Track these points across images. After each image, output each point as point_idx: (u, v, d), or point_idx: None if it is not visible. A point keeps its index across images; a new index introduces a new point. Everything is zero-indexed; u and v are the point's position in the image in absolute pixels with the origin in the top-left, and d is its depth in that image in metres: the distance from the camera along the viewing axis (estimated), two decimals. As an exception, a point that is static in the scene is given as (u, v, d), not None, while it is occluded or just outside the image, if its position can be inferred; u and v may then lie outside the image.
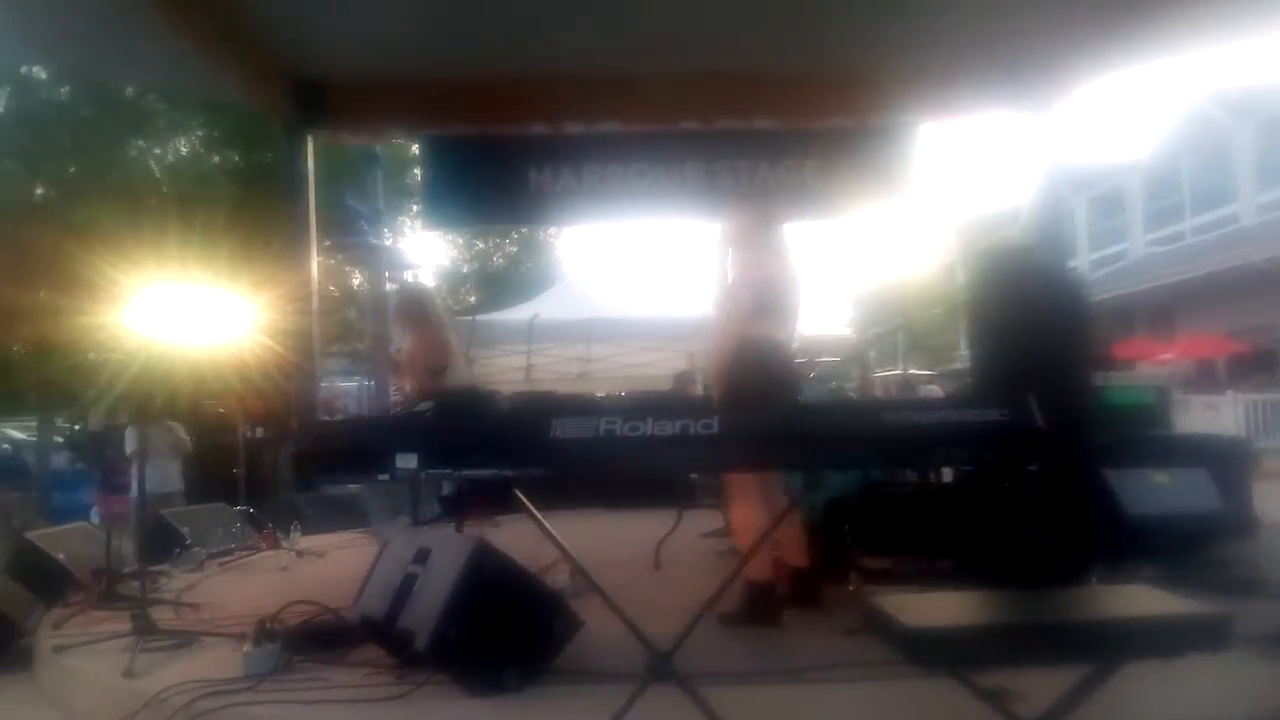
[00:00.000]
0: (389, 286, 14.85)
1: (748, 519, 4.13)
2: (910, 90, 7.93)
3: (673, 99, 8.26)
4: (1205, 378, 17.26)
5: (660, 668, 2.56)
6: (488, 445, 2.48)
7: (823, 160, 8.52)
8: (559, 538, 2.87)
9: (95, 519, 8.43)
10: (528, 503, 2.65)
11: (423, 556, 3.38)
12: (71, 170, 14.53)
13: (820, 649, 3.35)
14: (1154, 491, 4.82)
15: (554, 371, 12.22)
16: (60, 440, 15.62)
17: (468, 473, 2.56)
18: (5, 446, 20.53)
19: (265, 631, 3.54)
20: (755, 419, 2.55)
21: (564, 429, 2.43)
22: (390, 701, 3.09)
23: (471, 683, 3.11)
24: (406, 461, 2.47)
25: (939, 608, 2.37)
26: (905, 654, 2.23)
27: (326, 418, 11.45)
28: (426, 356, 5.79)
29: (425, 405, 4.23)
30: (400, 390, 6.24)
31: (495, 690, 3.10)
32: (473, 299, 26.85)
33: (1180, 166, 22.62)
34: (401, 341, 6.04)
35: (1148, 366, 14.95)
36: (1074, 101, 8.68)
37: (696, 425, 2.39)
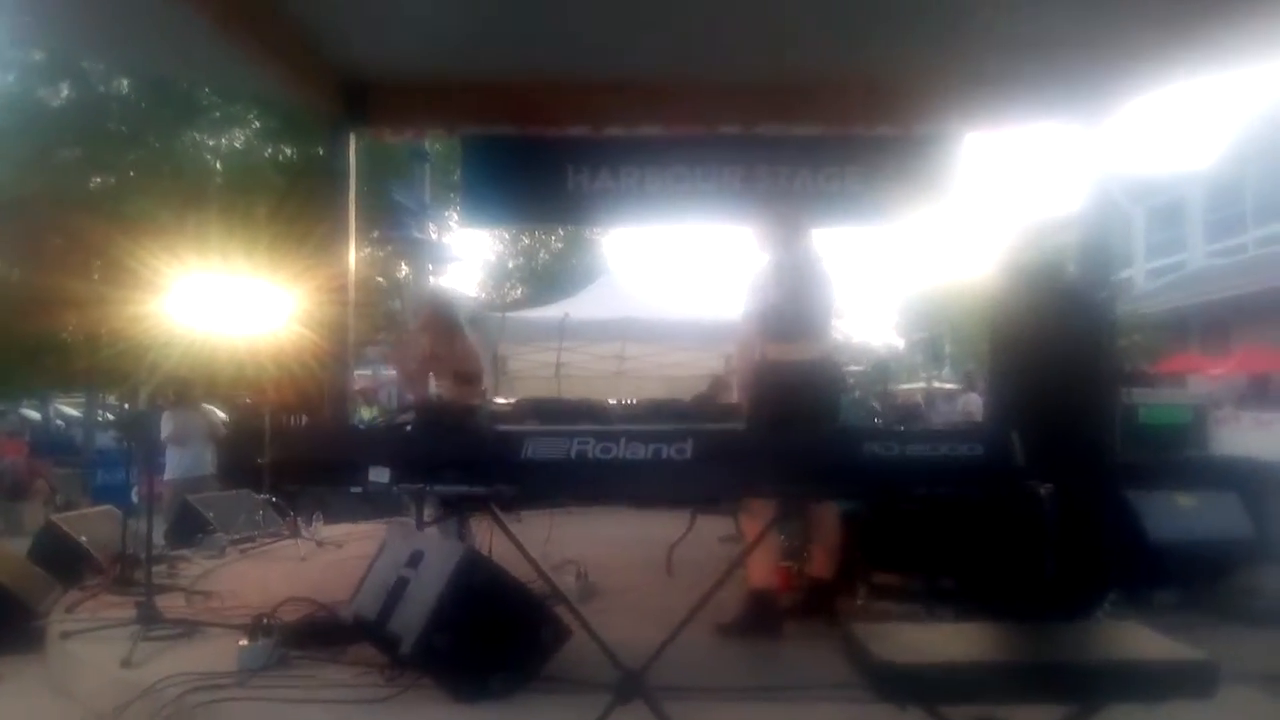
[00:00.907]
0: (428, 283, 14.98)
1: (757, 528, 4.05)
2: (957, 99, 7.79)
3: (713, 103, 8.20)
4: (1260, 394, 16.75)
5: (628, 688, 2.52)
6: (459, 463, 2.46)
7: (866, 168, 8.39)
8: (543, 546, 2.84)
9: (135, 498, 8.63)
10: (500, 517, 2.63)
11: (415, 560, 3.38)
12: (129, 158, 14.88)
13: (810, 665, 3.29)
14: (1179, 516, 4.68)
15: (588, 369, 12.21)
16: (109, 417, 16.02)
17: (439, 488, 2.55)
18: (59, 423, 21.15)
19: (262, 627, 3.57)
20: (730, 445, 2.48)
21: (536, 449, 2.40)
22: (375, 703, 3.09)
23: (456, 688, 3.10)
24: (379, 475, 2.47)
25: (915, 641, 2.30)
26: (876, 687, 2.18)
27: (364, 407, 11.61)
28: (459, 365, 5.77)
29: (405, 416, 4.21)
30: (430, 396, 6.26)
31: (480, 697, 3.09)
32: (518, 293, 27.01)
33: (1244, 175, 21.96)
34: (428, 347, 6.03)
35: (1198, 381, 14.55)
36: (1128, 113, 8.46)
37: (670, 449, 2.34)
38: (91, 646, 3.86)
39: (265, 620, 3.60)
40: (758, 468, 2.36)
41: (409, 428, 3.83)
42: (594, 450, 2.39)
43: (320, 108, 7.83)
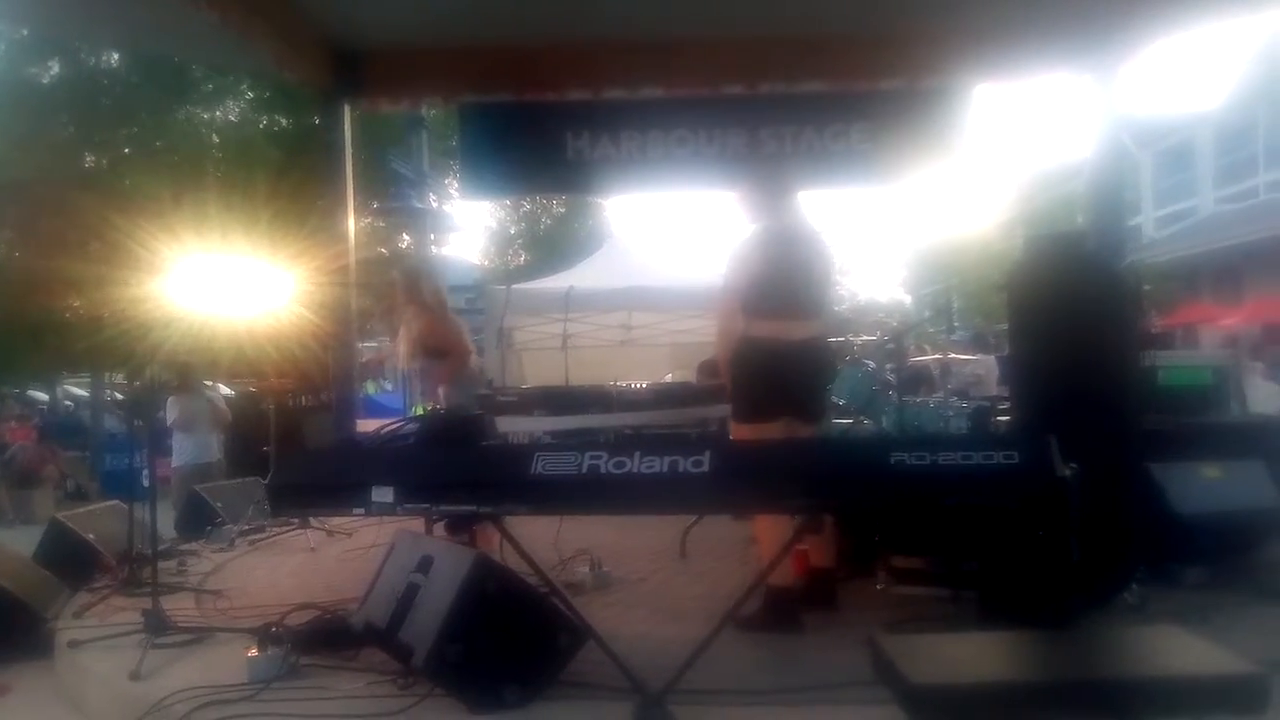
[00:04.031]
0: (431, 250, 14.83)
1: (771, 523, 3.94)
2: (964, 51, 7.58)
3: (715, 63, 7.99)
4: (1275, 345, 16.54)
5: (648, 714, 2.43)
6: (466, 482, 2.35)
7: (871, 124, 8.19)
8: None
9: (145, 481, 8.57)
10: (508, 534, 2.53)
11: (425, 565, 3.29)
12: (122, 134, 14.67)
13: (832, 664, 3.21)
14: (1204, 486, 4.56)
15: (594, 340, 12.12)
16: (117, 397, 15.93)
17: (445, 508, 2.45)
18: (68, 404, 21.13)
19: (271, 635, 3.49)
20: (750, 457, 2.36)
21: (545, 465, 2.28)
22: (389, 716, 3.02)
23: (471, 700, 3.02)
24: (382, 495, 2.37)
25: (945, 656, 2.20)
26: (910, 711, 2.08)
27: (370, 382, 11.51)
28: (426, 339, 5.62)
29: (409, 428, 4.10)
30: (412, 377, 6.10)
31: (496, 707, 3.01)
32: (522, 260, 26.82)
33: (1254, 117, 21.52)
34: (403, 321, 5.91)
35: (1211, 332, 14.38)
36: (1138, 61, 8.22)
37: (686, 463, 2.22)
38: (99, 657, 3.79)
39: (274, 628, 3.53)
40: (779, 482, 2.24)
41: (412, 442, 3.72)
42: (606, 465, 2.27)
43: (313, 80, 7.65)
